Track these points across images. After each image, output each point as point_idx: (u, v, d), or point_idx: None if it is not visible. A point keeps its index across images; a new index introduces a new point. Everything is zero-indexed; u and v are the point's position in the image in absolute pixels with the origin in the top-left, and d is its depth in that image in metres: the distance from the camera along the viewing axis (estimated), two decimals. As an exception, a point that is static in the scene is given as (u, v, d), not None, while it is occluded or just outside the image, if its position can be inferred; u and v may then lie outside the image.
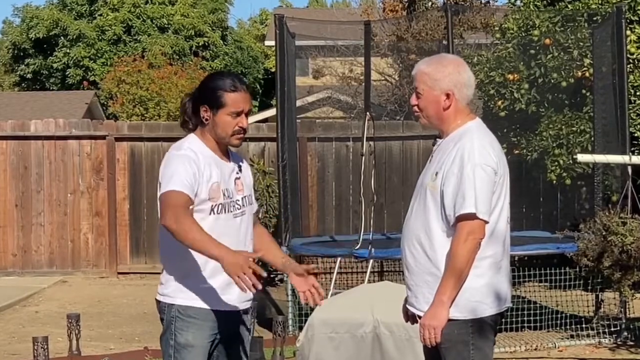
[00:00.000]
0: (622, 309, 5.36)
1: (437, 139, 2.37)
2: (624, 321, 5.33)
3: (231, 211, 2.37)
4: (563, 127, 6.83)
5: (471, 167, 2.22)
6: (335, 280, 5.45)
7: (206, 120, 2.37)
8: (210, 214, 2.33)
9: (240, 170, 2.43)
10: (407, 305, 2.37)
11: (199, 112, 2.38)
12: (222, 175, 2.37)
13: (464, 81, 2.31)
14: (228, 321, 2.38)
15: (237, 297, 2.36)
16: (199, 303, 2.33)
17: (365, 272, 5.54)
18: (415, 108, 2.36)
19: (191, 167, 2.31)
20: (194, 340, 2.33)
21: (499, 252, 2.30)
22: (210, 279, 2.34)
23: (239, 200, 2.39)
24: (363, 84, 7.46)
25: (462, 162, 2.23)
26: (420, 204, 2.31)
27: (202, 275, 2.34)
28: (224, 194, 2.35)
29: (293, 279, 2.39)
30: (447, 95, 2.30)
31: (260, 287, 2.15)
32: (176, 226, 2.23)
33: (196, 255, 2.31)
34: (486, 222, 2.23)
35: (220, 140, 2.38)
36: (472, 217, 2.20)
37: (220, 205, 2.34)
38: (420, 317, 2.30)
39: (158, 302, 2.39)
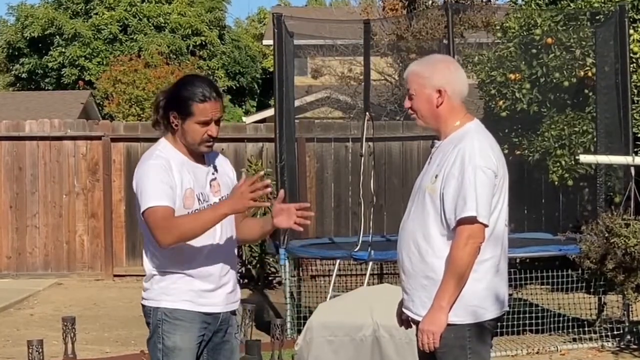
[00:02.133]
0: (625, 312, 5.34)
1: (436, 141, 2.34)
2: (627, 324, 5.31)
3: None
4: (565, 127, 6.80)
5: (472, 170, 2.20)
6: (334, 283, 5.44)
7: (175, 126, 2.37)
8: None
9: (216, 170, 2.42)
10: (403, 309, 2.35)
11: (168, 118, 2.38)
12: (195, 180, 2.36)
13: (455, 77, 2.29)
14: (215, 323, 2.37)
15: (223, 299, 2.38)
16: (185, 305, 2.33)
17: (365, 274, 5.53)
18: (410, 110, 2.35)
19: (163, 175, 2.32)
20: (182, 343, 2.32)
21: (498, 255, 2.28)
22: (195, 281, 2.34)
23: (216, 203, 2.37)
24: (362, 83, 7.45)
25: (463, 164, 2.21)
26: (419, 206, 2.29)
27: (186, 278, 2.34)
28: (198, 199, 2.35)
29: (276, 220, 2.38)
30: (439, 92, 2.28)
31: (269, 185, 2.26)
32: (172, 237, 2.27)
33: (179, 258, 2.32)
34: (486, 226, 2.21)
35: (189, 146, 2.38)
36: (472, 220, 2.18)
37: (196, 211, 2.33)
38: (416, 321, 2.28)
39: (143, 306, 2.39)
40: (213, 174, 2.40)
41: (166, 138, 2.39)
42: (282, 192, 2.48)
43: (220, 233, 2.38)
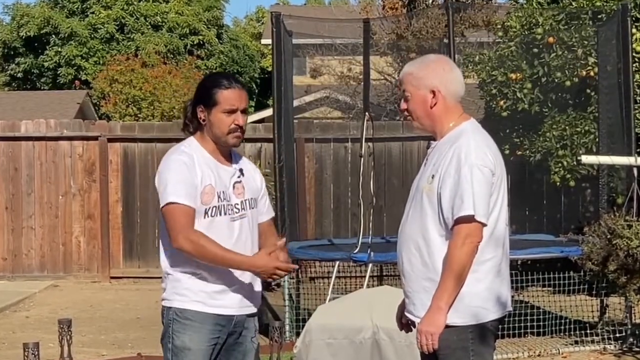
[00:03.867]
0: (628, 314, 5.31)
1: (432, 141, 2.33)
2: (629, 327, 5.28)
3: (228, 214, 2.35)
4: (567, 127, 6.78)
5: (468, 168, 2.19)
6: (334, 285, 5.43)
7: (203, 120, 2.38)
8: (204, 217, 2.32)
9: (242, 174, 2.41)
10: (405, 313, 2.33)
11: (195, 113, 2.40)
12: (217, 177, 2.36)
13: (450, 77, 2.28)
14: (229, 326, 2.35)
15: (237, 302, 2.35)
16: (195, 306, 2.31)
17: (364, 276, 5.53)
18: (406, 113, 2.34)
19: (186, 172, 2.32)
20: (191, 343, 2.30)
21: (499, 255, 2.26)
22: (207, 282, 2.32)
23: (237, 204, 2.37)
24: (362, 83, 7.43)
25: (459, 163, 2.20)
26: (417, 208, 2.27)
27: (199, 279, 2.32)
28: (218, 197, 2.34)
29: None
30: (433, 93, 2.27)
31: (295, 267, 2.35)
32: (191, 247, 2.28)
33: (193, 259, 2.30)
34: (484, 225, 2.19)
35: (217, 140, 2.37)
36: (470, 219, 2.17)
37: (214, 208, 2.33)
38: (416, 324, 2.27)
39: (162, 306, 2.40)
40: (239, 176, 2.40)
41: (195, 137, 2.40)
42: (283, 241, 2.45)
43: (237, 234, 2.36)
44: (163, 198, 2.30)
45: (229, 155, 2.41)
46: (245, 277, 2.36)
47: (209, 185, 2.32)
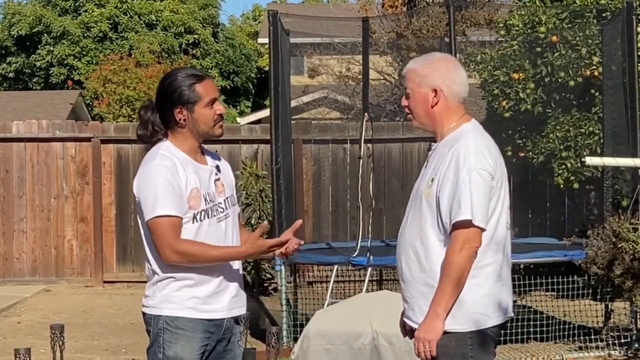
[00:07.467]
0: (633, 320, 5.33)
1: (432, 143, 2.32)
2: (634, 332, 5.29)
3: (215, 216, 2.33)
4: (571, 128, 6.76)
5: (467, 172, 2.16)
6: (332, 290, 5.41)
7: (184, 121, 2.31)
8: (193, 222, 2.28)
9: (219, 170, 2.39)
10: (404, 319, 2.31)
11: (171, 118, 2.33)
12: (200, 179, 2.32)
13: (453, 77, 2.24)
14: (218, 332, 2.33)
15: (227, 304, 2.34)
16: (187, 313, 2.28)
17: (364, 280, 5.53)
18: (407, 110, 2.32)
19: (171, 178, 2.27)
20: (184, 353, 2.28)
21: (499, 260, 2.23)
22: (198, 287, 2.30)
23: (221, 203, 2.35)
24: (361, 83, 7.39)
25: (458, 166, 2.17)
26: (416, 212, 2.25)
27: (189, 284, 2.30)
28: (205, 200, 2.31)
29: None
30: (435, 92, 2.24)
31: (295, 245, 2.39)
32: (181, 259, 2.25)
33: (182, 265, 2.28)
34: (483, 230, 2.16)
35: (203, 135, 2.34)
36: (468, 224, 2.14)
37: (202, 212, 2.30)
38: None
39: (144, 314, 2.35)
40: (216, 174, 2.36)
41: (167, 140, 2.34)
42: (265, 224, 2.50)
43: (225, 235, 2.33)
44: (150, 210, 2.25)
45: (201, 153, 2.37)
46: (232, 279, 2.34)
47: (195, 188, 2.27)
